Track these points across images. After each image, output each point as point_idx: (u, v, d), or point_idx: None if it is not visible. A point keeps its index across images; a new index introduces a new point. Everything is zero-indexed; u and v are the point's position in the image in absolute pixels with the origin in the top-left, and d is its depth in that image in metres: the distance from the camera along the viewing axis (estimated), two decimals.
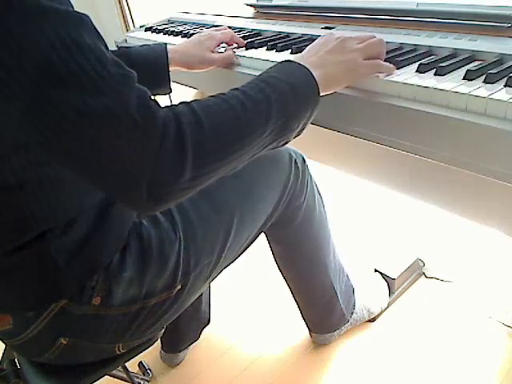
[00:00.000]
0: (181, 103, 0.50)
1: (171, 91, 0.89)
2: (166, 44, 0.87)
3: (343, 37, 0.67)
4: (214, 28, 0.97)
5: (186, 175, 0.47)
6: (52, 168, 0.57)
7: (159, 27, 1.28)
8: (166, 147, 0.45)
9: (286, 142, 0.60)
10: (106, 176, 0.47)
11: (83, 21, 0.46)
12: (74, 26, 0.44)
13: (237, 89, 0.55)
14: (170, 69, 0.86)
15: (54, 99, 0.43)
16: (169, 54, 0.86)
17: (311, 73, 0.60)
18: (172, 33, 1.21)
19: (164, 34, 1.23)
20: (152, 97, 0.48)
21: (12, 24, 0.41)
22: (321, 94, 0.60)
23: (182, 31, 1.18)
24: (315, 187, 0.99)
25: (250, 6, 1.22)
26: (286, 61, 0.62)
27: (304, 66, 0.60)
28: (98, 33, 0.47)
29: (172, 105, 0.49)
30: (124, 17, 1.82)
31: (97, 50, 0.45)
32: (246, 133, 0.52)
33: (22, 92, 0.42)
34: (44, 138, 0.45)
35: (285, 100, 0.55)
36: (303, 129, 0.61)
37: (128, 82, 0.46)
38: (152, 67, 0.84)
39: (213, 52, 0.89)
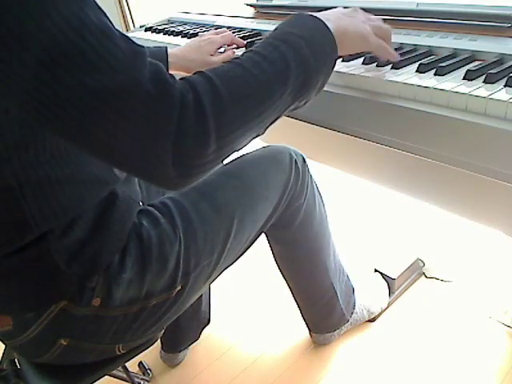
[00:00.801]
0: (195, 73, 0.49)
1: None
2: (166, 48, 0.87)
3: (355, 8, 0.67)
4: (214, 31, 0.97)
5: (211, 146, 0.46)
6: (52, 169, 0.57)
7: (159, 27, 1.28)
8: (187, 118, 0.44)
9: (307, 101, 0.58)
10: (129, 155, 0.45)
11: None
12: (76, 3, 0.43)
13: (251, 50, 0.53)
14: (171, 72, 0.86)
15: (66, 81, 0.42)
16: (169, 59, 0.85)
17: (325, 24, 0.58)
18: (172, 33, 1.21)
19: (164, 34, 1.23)
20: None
21: (14, 7, 0.40)
22: (338, 46, 0.58)
23: (182, 31, 1.18)
24: (315, 187, 0.99)
25: (250, 5, 1.22)
26: (299, 14, 0.60)
27: (318, 18, 0.58)
28: (100, 8, 0.46)
29: (187, 76, 0.48)
30: (124, 17, 1.82)
31: (103, 25, 0.44)
32: (266, 95, 0.51)
33: (32, 78, 0.41)
34: (60, 122, 0.44)
35: (302, 56, 0.53)
36: (323, 86, 0.59)
37: (139, 57, 0.45)
38: None
39: (212, 56, 0.89)
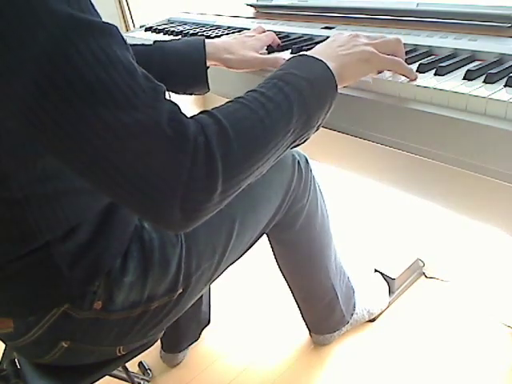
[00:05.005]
0: (201, 112, 0.49)
1: (209, 90, 0.83)
2: (204, 38, 0.81)
3: (354, 33, 0.66)
4: (254, 29, 0.91)
5: (218, 189, 0.46)
6: (60, 181, 0.57)
7: (159, 27, 1.28)
8: (199, 162, 0.44)
9: (306, 140, 0.59)
10: (139, 196, 0.44)
11: (112, 32, 0.44)
12: (105, 38, 0.42)
13: (255, 90, 0.53)
14: (209, 64, 0.80)
15: (86, 115, 0.41)
16: (207, 49, 0.79)
17: (327, 65, 0.58)
18: (172, 33, 1.20)
19: (164, 34, 1.23)
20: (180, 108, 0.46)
21: (40, 35, 0.39)
22: (339, 82, 0.59)
23: (182, 31, 1.18)
24: (318, 189, 0.98)
25: (251, 6, 1.22)
26: (300, 55, 0.61)
27: (320, 60, 0.59)
28: (126, 43, 0.46)
29: (194, 115, 0.48)
30: (124, 17, 1.82)
31: (127, 62, 0.43)
32: (271, 136, 0.51)
33: (52, 108, 0.41)
34: (74, 156, 0.43)
35: (305, 97, 0.54)
36: (321, 124, 0.60)
37: (159, 97, 0.44)
38: (187, 63, 0.79)
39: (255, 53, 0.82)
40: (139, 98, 0.42)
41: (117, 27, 0.45)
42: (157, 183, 0.43)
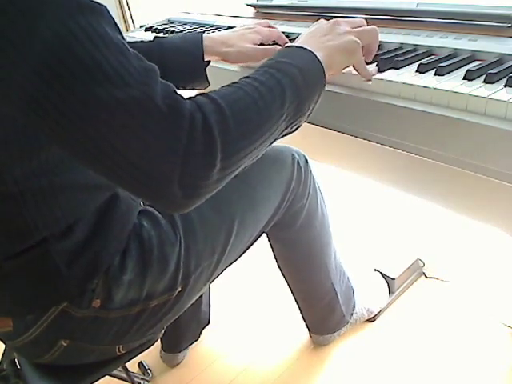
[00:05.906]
0: (198, 95, 0.49)
1: (209, 85, 0.83)
2: (201, 33, 0.82)
3: (334, 20, 0.67)
4: (259, 22, 0.90)
5: (216, 166, 0.46)
6: (55, 176, 0.57)
7: (159, 27, 1.28)
8: (196, 139, 0.44)
9: (298, 127, 0.60)
10: (139, 175, 0.44)
11: (103, 11, 0.44)
12: (95, 16, 0.43)
13: (247, 77, 0.54)
14: (207, 58, 0.81)
15: (80, 92, 0.41)
16: (205, 43, 0.79)
17: (316, 55, 0.60)
18: (172, 33, 1.20)
19: (164, 34, 1.23)
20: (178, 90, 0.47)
21: (32, 13, 0.39)
22: (326, 72, 0.60)
23: (182, 31, 1.18)
24: (318, 188, 0.99)
25: (251, 5, 1.22)
26: (289, 46, 0.62)
27: (308, 50, 0.60)
28: (116, 25, 0.46)
29: (190, 97, 0.48)
30: (124, 17, 1.82)
31: (118, 41, 0.44)
32: (265, 118, 0.51)
33: (44, 86, 0.40)
34: (77, 143, 0.44)
35: (296, 84, 0.55)
36: (311, 113, 0.61)
37: (152, 75, 0.45)
38: (185, 58, 0.79)
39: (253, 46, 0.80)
40: (132, 76, 0.43)
41: (106, 8, 0.45)
42: (154, 160, 0.43)
